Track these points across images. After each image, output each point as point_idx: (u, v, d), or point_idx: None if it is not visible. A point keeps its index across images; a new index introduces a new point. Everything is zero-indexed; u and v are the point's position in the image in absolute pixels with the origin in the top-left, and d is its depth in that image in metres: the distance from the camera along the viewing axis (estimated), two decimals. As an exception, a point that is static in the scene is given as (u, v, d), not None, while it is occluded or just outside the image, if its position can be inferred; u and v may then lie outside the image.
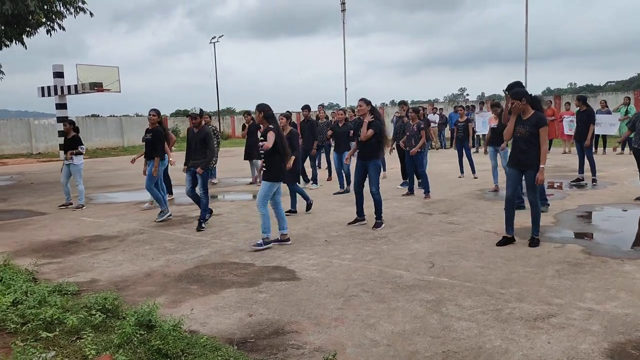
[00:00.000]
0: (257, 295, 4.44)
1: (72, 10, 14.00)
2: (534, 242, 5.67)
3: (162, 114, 9.54)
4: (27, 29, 14.03)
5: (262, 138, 6.19)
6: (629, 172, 11.52)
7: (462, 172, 11.70)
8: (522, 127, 5.64)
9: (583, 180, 10.23)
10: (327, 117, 13.00)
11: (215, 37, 39.08)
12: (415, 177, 9.84)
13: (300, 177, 9.73)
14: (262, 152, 6.14)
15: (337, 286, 4.60)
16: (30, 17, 12.96)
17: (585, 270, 4.77)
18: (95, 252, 6.22)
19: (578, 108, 10.48)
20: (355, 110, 7.10)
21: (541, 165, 5.52)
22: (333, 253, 5.72)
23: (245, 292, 4.55)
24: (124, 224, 7.92)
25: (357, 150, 7.01)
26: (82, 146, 9.47)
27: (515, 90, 5.82)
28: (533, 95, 5.88)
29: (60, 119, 21.98)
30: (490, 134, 9.63)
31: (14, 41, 14.40)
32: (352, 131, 9.49)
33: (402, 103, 11.30)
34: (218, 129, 13.06)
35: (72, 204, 9.61)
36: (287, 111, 9.99)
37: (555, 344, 3.31)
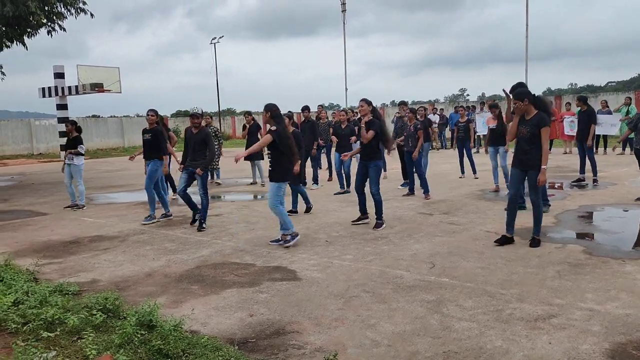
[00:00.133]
0: (258, 296, 4.45)
1: (72, 11, 14.01)
2: (534, 243, 5.67)
3: (163, 114, 9.56)
4: (28, 30, 14.06)
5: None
6: (629, 172, 11.52)
7: (462, 172, 11.71)
8: (525, 128, 5.64)
9: (584, 180, 10.23)
10: (327, 118, 13.00)
11: (215, 37, 39.10)
12: (416, 177, 9.85)
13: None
14: (268, 152, 6.20)
15: (338, 286, 4.60)
16: (31, 18, 12.98)
17: (586, 271, 4.77)
18: (96, 253, 6.23)
19: (579, 108, 10.48)
20: (357, 110, 7.09)
21: (542, 166, 5.52)
22: (334, 253, 5.72)
23: (246, 292, 4.55)
24: (124, 224, 7.92)
25: (359, 151, 7.04)
26: (82, 146, 9.46)
27: (518, 91, 5.81)
28: (536, 95, 5.88)
29: (61, 120, 21.99)
30: (489, 134, 9.64)
31: (15, 42, 14.41)
32: (353, 137, 9.50)
33: (402, 103, 11.31)
34: (219, 130, 13.05)
35: (77, 204, 9.61)
36: (289, 111, 9.99)
37: (556, 344, 3.31)
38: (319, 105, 13.71)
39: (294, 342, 3.51)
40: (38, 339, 3.46)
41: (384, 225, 6.88)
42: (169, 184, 10.05)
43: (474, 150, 12.28)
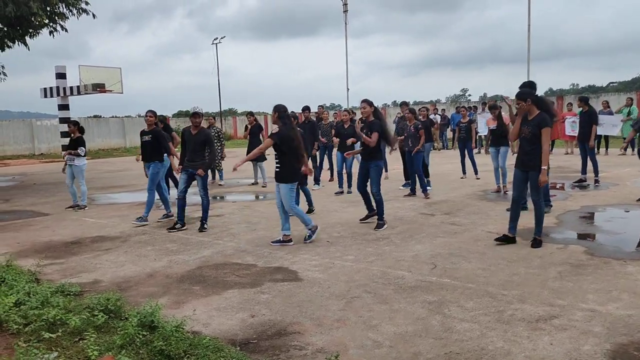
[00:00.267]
0: (259, 296, 4.45)
1: (74, 11, 14.04)
2: (536, 243, 5.66)
3: (165, 114, 9.53)
4: (30, 30, 14.08)
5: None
6: (631, 172, 11.52)
7: (464, 172, 11.70)
8: (526, 128, 5.63)
9: (585, 181, 10.22)
10: (329, 118, 13.00)
11: (217, 38, 39.16)
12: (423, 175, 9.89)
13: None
14: (275, 154, 6.26)
15: (339, 287, 4.60)
16: (32, 19, 13.00)
17: (587, 272, 4.76)
18: (97, 253, 6.23)
19: (580, 109, 10.47)
20: (360, 111, 7.11)
21: (542, 167, 5.51)
22: (335, 254, 5.72)
23: (248, 293, 4.56)
24: (126, 224, 7.93)
25: (361, 152, 7.06)
26: (82, 148, 9.43)
27: (520, 91, 5.81)
28: (538, 95, 5.88)
29: (62, 120, 22.02)
30: (489, 135, 9.66)
31: (16, 42, 14.44)
32: (352, 139, 9.44)
33: (404, 104, 11.31)
34: (222, 131, 13.05)
35: (78, 205, 9.63)
36: (292, 112, 9.99)
37: (557, 345, 3.30)
38: (319, 106, 13.71)
39: (295, 343, 3.51)
40: (40, 339, 3.46)
41: (385, 226, 6.88)
42: (172, 184, 10.05)
43: (475, 150, 12.28)
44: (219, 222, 7.76)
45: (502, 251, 5.56)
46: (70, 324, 3.63)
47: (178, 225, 7.27)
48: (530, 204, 6.12)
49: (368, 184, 7.03)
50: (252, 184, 12.07)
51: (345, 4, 33.62)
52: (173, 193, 9.06)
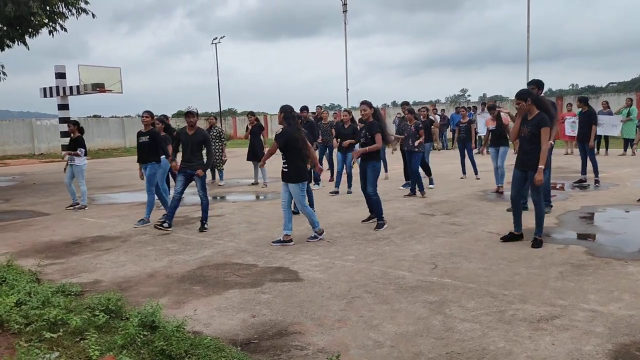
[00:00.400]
0: (260, 296, 4.44)
1: (74, 11, 14.03)
2: (536, 243, 5.66)
3: (166, 114, 9.50)
4: (30, 29, 14.07)
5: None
6: (632, 173, 11.53)
7: (464, 173, 11.71)
8: (526, 128, 5.64)
9: (585, 181, 10.22)
10: (328, 118, 13.00)
11: (217, 38, 39.17)
12: (426, 174, 9.91)
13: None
14: (282, 154, 6.29)
15: (340, 287, 4.59)
16: (32, 18, 12.99)
17: (588, 272, 4.76)
18: (98, 253, 6.23)
19: (580, 109, 10.48)
20: (360, 113, 7.12)
21: (540, 166, 5.52)
22: (335, 254, 5.72)
23: (248, 293, 4.55)
24: (126, 224, 7.92)
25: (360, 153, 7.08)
26: (82, 149, 9.42)
27: (520, 90, 5.82)
28: (538, 96, 5.88)
29: (62, 120, 22.02)
30: (488, 135, 9.67)
31: (16, 42, 14.43)
32: (351, 140, 9.44)
33: (405, 104, 11.31)
34: (224, 131, 13.05)
35: (78, 204, 9.62)
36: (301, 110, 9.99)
37: (559, 345, 3.30)
38: (317, 106, 13.71)
39: (296, 343, 3.50)
40: (41, 339, 3.45)
41: (385, 226, 6.88)
42: (174, 182, 10.03)
43: (475, 151, 12.29)
44: (219, 222, 7.76)
45: (502, 251, 5.56)
46: (71, 324, 3.62)
47: (165, 225, 7.13)
48: (530, 204, 6.12)
49: None
50: (252, 184, 12.07)
51: (345, 4, 33.63)
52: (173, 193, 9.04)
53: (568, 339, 3.39)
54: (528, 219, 6.24)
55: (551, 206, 7.63)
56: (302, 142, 6.23)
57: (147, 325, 3.56)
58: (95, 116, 37.56)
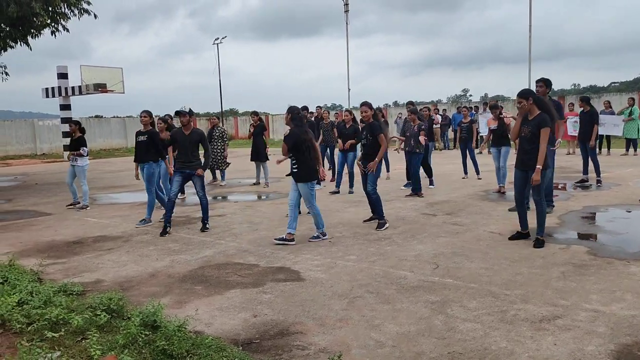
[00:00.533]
0: (261, 296, 4.44)
1: (76, 11, 14.05)
2: (538, 243, 5.66)
3: (170, 114, 9.47)
4: (32, 30, 14.09)
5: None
6: (634, 172, 11.51)
7: (465, 172, 11.69)
8: (526, 127, 5.66)
9: (587, 181, 10.20)
10: (329, 118, 13.00)
11: (218, 38, 39.23)
12: (427, 175, 9.89)
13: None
14: (291, 155, 6.33)
15: (342, 287, 4.59)
16: (34, 19, 13.01)
17: (590, 272, 4.75)
18: (99, 253, 6.24)
19: (582, 109, 10.46)
20: (361, 114, 7.14)
21: (537, 166, 5.53)
22: (337, 254, 5.72)
23: (250, 292, 4.55)
24: (128, 224, 7.93)
25: (362, 153, 7.11)
26: (85, 149, 9.45)
27: (523, 90, 5.83)
28: (539, 97, 5.88)
29: (64, 120, 22.05)
30: (489, 135, 9.66)
31: (18, 42, 14.46)
32: (349, 141, 9.47)
33: (410, 104, 11.28)
34: (226, 131, 13.05)
35: (79, 202, 9.65)
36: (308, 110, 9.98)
37: (561, 345, 3.30)
38: (317, 106, 13.73)
39: (298, 342, 3.50)
40: (42, 339, 3.46)
41: (386, 225, 6.88)
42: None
43: (476, 151, 12.28)
44: (221, 222, 7.76)
45: (504, 251, 5.55)
46: (73, 324, 3.63)
47: (169, 229, 7.11)
48: (532, 204, 6.10)
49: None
50: (254, 184, 12.07)
51: (346, 4, 33.65)
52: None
53: (570, 339, 3.38)
54: (530, 219, 6.23)
55: (553, 206, 7.61)
56: (310, 142, 6.30)
57: (149, 325, 3.56)
58: (97, 116, 37.62)
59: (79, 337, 3.52)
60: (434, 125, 13.75)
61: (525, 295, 4.22)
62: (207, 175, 11.70)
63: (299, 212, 8.03)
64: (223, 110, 41.87)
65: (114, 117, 35.25)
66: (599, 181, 10.02)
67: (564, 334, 3.46)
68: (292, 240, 6.25)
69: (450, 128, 21.65)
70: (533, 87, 7.29)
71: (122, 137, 32.12)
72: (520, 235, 5.96)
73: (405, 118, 11.10)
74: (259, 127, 11.97)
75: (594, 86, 69.33)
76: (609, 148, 16.48)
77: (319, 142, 11.49)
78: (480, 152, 15.96)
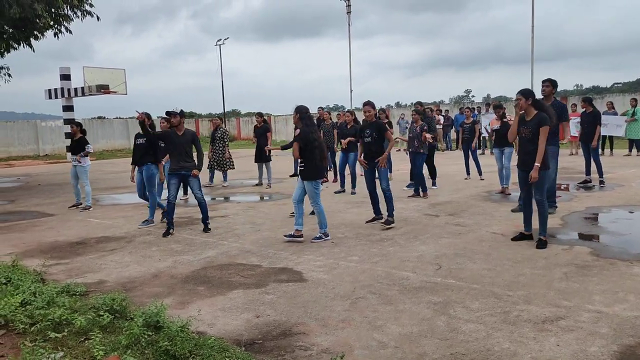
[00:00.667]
0: (264, 297, 4.45)
1: (79, 13, 14.08)
2: (541, 244, 5.65)
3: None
4: (35, 32, 14.13)
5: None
6: (637, 173, 11.48)
7: (468, 173, 11.68)
8: (526, 128, 5.67)
9: (590, 181, 10.18)
10: (330, 119, 13.01)
11: (221, 39, 39.28)
12: (430, 176, 9.90)
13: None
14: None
15: (344, 288, 4.59)
16: (37, 21, 13.04)
17: (593, 273, 4.75)
18: (102, 253, 6.25)
19: (584, 109, 10.45)
20: (364, 114, 7.18)
21: (536, 164, 5.54)
22: (339, 255, 5.72)
23: (253, 293, 4.56)
24: (130, 225, 7.94)
25: (364, 152, 7.11)
26: (89, 145, 9.51)
27: (524, 89, 5.84)
28: (539, 100, 5.90)
29: (67, 121, 22.09)
30: (493, 135, 9.65)
31: (21, 44, 14.50)
32: (348, 139, 9.53)
33: (419, 104, 11.23)
34: (228, 132, 13.06)
35: (81, 204, 9.68)
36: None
37: (564, 346, 3.29)
38: (319, 107, 13.76)
39: (300, 343, 3.50)
40: (46, 339, 3.47)
41: (393, 224, 6.89)
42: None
43: (479, 151, 12.28)
44: (223, 223, 7.77)
45: (507, 252, 5.54)
46: (76, 324, 3.64)
47: (172, 231, 7.12)
48: (533, 204, 6.10)
49: (377, 184, 7.10)
50: (257, 184, 12.08)
51: (348, 5, 33.68)
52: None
53: (573, 340, 3.38)
54: (532, 220, 6.22)
55: (556, 207, 7.60)
56: (319, 141, 6.37)
57: (152, 326, 3.57)
58: (99, 117, 37.71)
59: (82, 338, 3.53)
60: (437, 126, 13.78)
61: (528, 296, 4.21)
62: (205, 176, 11.71)
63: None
64: (225, 111, 41.92)
65: (116, 118, 35.34)
66: (601, 182, 10.00)
67: (567, 335, 3.46)
68: (301, 236, 6.29)
69: (453, 129, 21.62)
70: (536, 88, 7.30)
71: (124, 138, 32.18)
72: (523, 236, 5.96)
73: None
74: (262, 128, 11.99)
75: (597, 87, 69.16)
76: (611, 149, 16.44)
77: None
78: (483, 153, 15.97)
